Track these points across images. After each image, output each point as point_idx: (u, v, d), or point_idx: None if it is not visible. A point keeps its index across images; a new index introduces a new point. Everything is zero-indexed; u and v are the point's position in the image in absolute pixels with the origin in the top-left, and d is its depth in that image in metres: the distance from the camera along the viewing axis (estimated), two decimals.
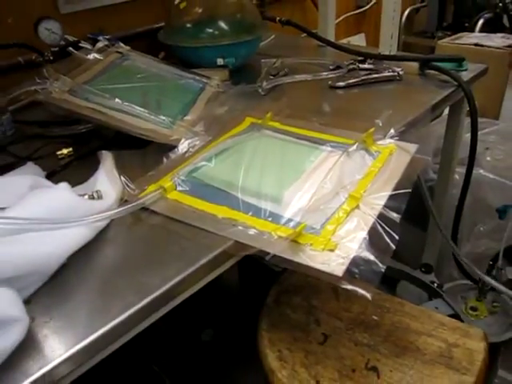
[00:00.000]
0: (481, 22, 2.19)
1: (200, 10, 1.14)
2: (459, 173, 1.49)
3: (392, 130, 0.82)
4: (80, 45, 1.08)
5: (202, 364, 1.49)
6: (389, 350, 0.71)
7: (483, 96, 1.89)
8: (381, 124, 0.81)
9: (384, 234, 0.59)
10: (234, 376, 1.46)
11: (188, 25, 1.13)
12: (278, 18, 1.34)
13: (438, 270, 1.55)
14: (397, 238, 0.59)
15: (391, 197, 0.65)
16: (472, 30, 2.19)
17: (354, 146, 0.75)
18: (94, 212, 0.59)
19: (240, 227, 0.61)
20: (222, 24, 1.11)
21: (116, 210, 0.61)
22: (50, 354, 0.45)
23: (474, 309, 1.30)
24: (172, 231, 0.62)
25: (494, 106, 1.81)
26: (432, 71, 1.14)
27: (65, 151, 0.84)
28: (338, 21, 1.96)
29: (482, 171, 1.48)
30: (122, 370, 1.21)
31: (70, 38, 1.07)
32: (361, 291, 0.51)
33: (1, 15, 1.03)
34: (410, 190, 0.66)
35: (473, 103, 1.06)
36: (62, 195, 0.57)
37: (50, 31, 0.95)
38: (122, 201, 0.66)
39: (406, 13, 2.42)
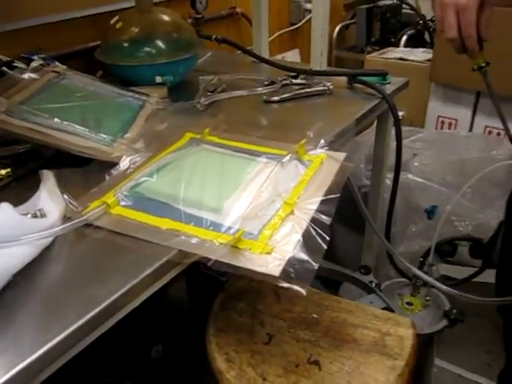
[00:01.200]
0: (405, 37, 2.36)
1: (136, 30, 1.17)
2: (390, 178, 1.60)
3: (322, 141, 0.88)
4: (14, 64, 1.07)
5: (152, 381, 1.49)
6: (328, 343, 0.76)
7: (409, 107, 2.05)
8: (312, 135, 0.87)
9: (316, 236, 0.64)
10: None
11: (125, 44, 1.16)
12: (213, 36, 1.39)
13: (376, 271, 1.65)
14: (328, 238, 0.64)
15: (322, 201, 0.71)
16: (397, 45, 2.36)
17: (288, 157, 0.80)
18: (38, 230, 0.60)
19: (183, 237, 0.64)
20: (159, 43, 1.15)
21: (60, 227, 0.62)
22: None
23: (409, 303, 1.39)
24: (117, 244, 0.64)
25: (419, 115, 1.96)
26: (359, 85, 1.22)
27: (3, 172, 0.83)
28: (272, 37, 2.05)
29: (410, 176, 1.60)
30: None
31: (4, 58, 1.06)
32: (296, 287, 0.56)
33: None
34: (339, 195, 0.72)
35: (396, 113, 1.16)
36: (4, 214, 0.58)
37: None
38: (66, 218, 0.67)
39: (337, 29, 2.56)
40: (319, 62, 1.36)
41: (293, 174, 0.78)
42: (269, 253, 0.61)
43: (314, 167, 0.81)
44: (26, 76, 1.01)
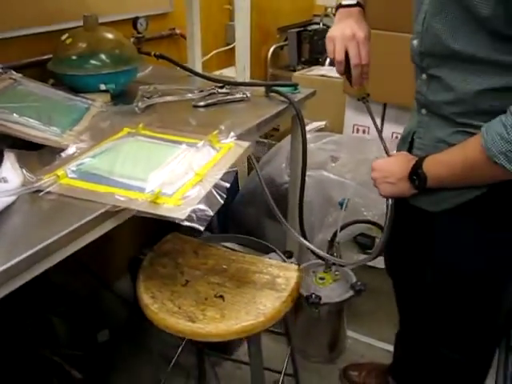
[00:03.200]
0: (329, 58, 2.68)
1: (84, 45, 1.38)
2: (309, 175, 1.87)
3: (232, 133, 1.12)
4: None
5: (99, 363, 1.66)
6: (232, 285, 0.99)
7: (330, 117, 2.36)
8: (223, 128, 1.12)
9: (216, 195, 0.88)
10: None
11: (73, 57, 1.36)
12: (152, 53, 1.63)
13: (299, 256, 1.90)
14: (224, 197, 0.87)
15: (225, 173, 0.95)
16: (323, 64, 2.68)
17: (201, 143, 1.04)
18: (2, 191, 0.80)
19: (116, 196, 0.86)
20: (103, 56, 1.36)
21: (20, 189, 0.82)
22: None
23: (321, 278, 1.64)
24: (65, 203, 0.85)
25: (338, 123, 2.25)
26: (274, 94, 1.48)
27: None
28: (209, 55, 2.30)
29: (325, 173, 1.88)
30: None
31: None
32: (195, 225, 0.79)
33: None
34: (236, 169, 0.96)
35: (300, 116, 1.41)
36: None
37: None
38: (24, 185, 0.87)
39: (272, 50, 2.86)
40: (243, 75, 1.61)
41: (205, 156, 1.02)
42: (179, 205, 0.84)
43: (223, 152, 1.05)
44: None
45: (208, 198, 0.87)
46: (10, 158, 0.92)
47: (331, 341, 1.71)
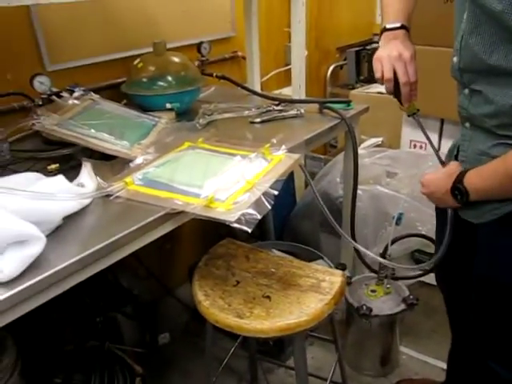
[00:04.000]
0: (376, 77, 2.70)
1: (153, 69, 1.53)
2: (363, 189, 1.90)
3: (284, 146, 1.20)
4: (61, 94, 1.43)
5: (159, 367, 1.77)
6: (279, 286, 1.06)
7: (388, 133, 2.37)
8: (275, 142, 1.20)
9: (265, 201, 0.96)
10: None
11: (144, 79, 1.52)
12: (214, 74, 1.76)
13: (353, 268, 1.92)
14: (272, 203, 0.95)
15: (274, 182, 1.02)
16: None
17: (254, 155, 1.13)
18: (80, 193, 0.93)
19: (176, 201, 0.96)
20: (169, 78, 1.50)
21: (95, 193, 0.95)
22: (54, 260, 0.78)
23: (373, 291, 1.66)
24: (131, 206, 0.97)
25: (395, 139, 2.27)
26: (327, 110, 1.55)
27: (53, 166, 1.17)
28: (270, 75, 2.42)
29: (380, 188, 1.90)
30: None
31: (54, 89, 1.43)
32: (243, 227, 0.87)
33: (2, 73, 1.38)
34: (285, 178, 1.03)
35: (352, 131, 1.47)
36: (60, 182, 0.91)
37: (41, 83, 1.30)
38: (98, 190, 1.00)
39: (331, 69, 2.93)
40: (298, 93, 1.70)
41: (257, 167, 1.10)
42: (230, 209, 0.92)
43: (274, 163, 1.13)
44: (70, 102, 1.36)
45: (257, 204, 0.95)
46: (87, 166, 1.05)
47: (383, 355, 1.71)
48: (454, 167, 1.01)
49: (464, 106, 0.97)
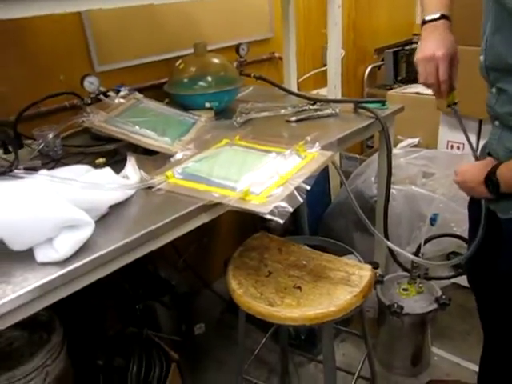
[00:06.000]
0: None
1: (193, 69, 1.60)
2: (397, 189, 1.91)
3: (317, 143, 1.24)
4: (108, 94, 1.52)
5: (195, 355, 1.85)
6: (310, 279, 1.10)
7: (425, 133, 2.37)
8: (309, 139, 1.24)
9: (297, 195, 1.00)
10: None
11: (185, 79, 1.59)
12: (252, 74, 1.81)
13: (386, 268, 1.93)
14: (304, 197, 0.99)
15: (307, 177, 1.07)
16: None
17: (288, 152, 1.17)
18: (125, 184, 1.00)
19: (212, 193, 1.02)
20: (209, 78, 1.57)
21: (138, 184, 1.02)
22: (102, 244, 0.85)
23: (405, 290, 1.67)
24: (171, 197, 1.03)
25: (433, 140, 2.25)
26: (362, 110, 1.57)
27: (100, 160, 1.26)
28: (307, 75, 2.46)
29: (414, 187, 1.90)
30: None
31: (102, 89, 1.52)
32: (276, 218, 0.91)
33: (55, 74, 1.49)
34: (317, 173, 1.07)
35: (386, 130, 1.49)
36: (108, 173, 0.99)
37: (90, 83, 1.40)
38: (141, 182, 1.07)
39: (368, 69, 2.93)
40: (334, 93, 1.73)
41: (291, 163, 1.15)
42: (264, 202, 0.97)
43: (308, 160, 1.17)
44: (116, 101, 1.45)
45: (289, 197, 0.99)
46: (131, 160, 1.13)
47: (414, 354, 1.71)
48: (490, 160, 1.03)
49: (491, 105, 0.98)
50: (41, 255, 0.81)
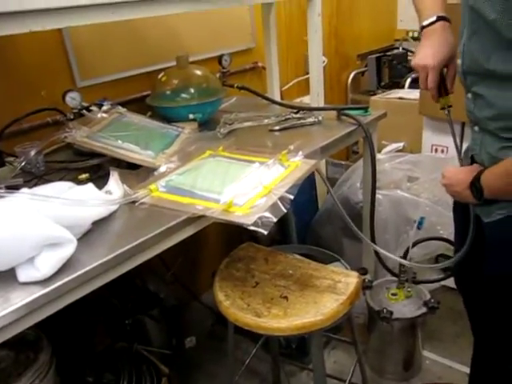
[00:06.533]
0: (408, 80, 2.72)
1: (176, 81, 1.61)
2: (382, 194, 1.92)
3: (300, 152, 1.25)
4: (90, 108, 1.52)
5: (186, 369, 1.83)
6: (296, 288, 1.10)
7: (409, 138, 2.39)
8: (292, 148, 1.25)
9: (281, 205, 1.00)
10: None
11: (168, 92, 1.59)
12: (235, 85, 1.82)
13: (375, 273, 1.94)
14: (288, 206, 1.00)
15: (290, 187, 1.07)
16: (403, 87, 2.72)
17: (271, 162, 1.18)
18: (108, 200, 1.00)
19: (197, 206, 1.02)
20: (192, 90, 1.58)
21: (121, 199, 1.02)
22: (85, 261, 0.85)
23: (394, 294, 1.67)
24: (155, 211, 1.03)
25: (416, 144, 2.28)
26: (344, 117, 1.59)
27: (83, 176, 1.25)
28: (290, 84, 2.47)
29: (400, 192, 1.91)
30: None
31: (84, 104, 1.51)
32: (260, 229, 0.91)
33: (36, 90, 1.48)
34: (300, 183, 1.08)
35: (369, 136, 1.50)
36: (90, 189, 0.99)
37: (72, 99, 1.39)
38: (124, 197, 1.06)
39: (351, 76, 2.96)
40: (317, 101, 1.74)
41: (274, 172, 1.15)
42: (247, 213, 0.97)
43: (291, 169, 1.18)
44: (99, 115, 1.44)
45: (273, 208, 1.00)
46: (114, 175, 1.13)
47: (406, 359, 1.72)
48: (476, 165, 1.04)
49: (470, 110, 1.00)
50: (23, 275, 0.80)
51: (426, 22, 1.05)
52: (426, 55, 1.02)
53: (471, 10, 0.87)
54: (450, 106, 1.13)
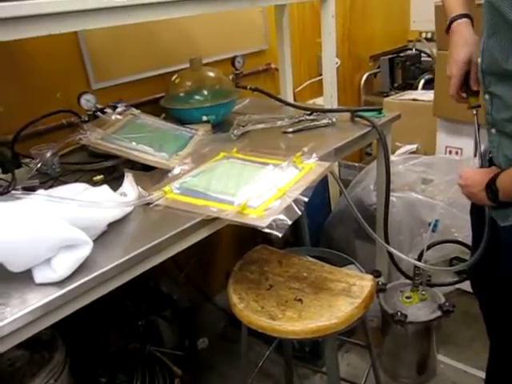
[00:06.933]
0: (422, 81, 2.69)
1: (189, 83, 1.61)
2: (396, 196, 1.91)
3: (314, 154, 1.24)
4: (105, 110, 1.53)
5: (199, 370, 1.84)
6: (311, 290, 1.09)
7: (422, 140, 2.37)
8: (306, 150, 1.24)
9: (295, 207, 1.00)
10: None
11: (181, 94, 1.60)
12: (248, 86, 1.82)
13: (388, 276, 1.92)
14: (302, 209, 0.99)
15: (305, 189, 1.07)
16: (416, 88, 2.69)
17: (285, 164, 1.17)
18: (123, 202, 1.00)
19: (210, 208, 1.02)
20: (205, 92, 1.58)
21: (136, 201, 1.02)
22: (101, 262, 0.85)
23: (408, 297, 1.66)
24: (169, 213, 1.03)
25: (430, 146, 2.26)
26: (358, 118, 1.58)
27: (98, 177, 1.26)
28: (303, 85, 2.47)
29: (414, 194, 1.90)
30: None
31: (98, 106, 1.52)
32: (275, 232, 0.91)
33: (52, 93, 1.49)
34: (315, 185, 1.07)
35: (383, 138, 1.49)
36: (105, 191, 0.99)
37: (87, 101, 1.40)
38: (139, 198, 1.07)
39: (364, 77, 2.94)
40: (330, 102, 1.74)
41: (288, 175, 1.15)
42: (261, 216, 0.97)
43: (305, 171, 1.17)
44: (113, 117, 1.45)
45: (287, 210, 0.99)
46: (128, 177, 1.13)
47: (420, 362, 1.70)
48: (494, 167, 1.03)
49: (488, 111, 0.98)
50: (39, 276, 0.81)
51: (448, 21, 1.07)
52: (452, 62, 1.05)
53: (491, 7, 0.86)
54: (479, 106, 1.11)
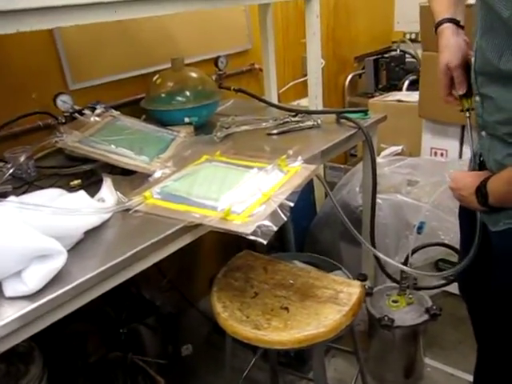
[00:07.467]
0: (407, 82, 2.69)
1: (171, 84, 1.57)
2: (382, 198, 1.89)
3: (300, 157, 1.21)
4: (83, 111, 1.47)
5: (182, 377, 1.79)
6: (297, 298, 1.06)
7: (408, 141, 2.35)
8: (291, 153, 1.21)
9: (280, 213, 0.96)
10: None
11: (162, 94, 1.55)
12: (232, 87, 1.78)
13: (375, 279, 1.91)
14: (288, 214, 0.96)
15: (290, 193, 1.03)
16: (401, 90, 2.69)
17: (270, 167, 1.14)
18: (100, 208, 0.95)
19: (193, 214, 0.98)
20: (187, 93, 1.54)
21: (114, 207, 0.98)
22: (76, 273, 0.80)
23: (395, 301, 1.64)
24: (150, 220, 0.99)
25: (415, 147, 2.25)
26: (344, 120, 1.55)
27: (75, 182, 1.21)
28: (287, 86, 2.44)
29: (400, 196, 1.88)
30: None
31: (76, 107, 1.47)
32: (259, 239, 0.87)
33: (27, 93, 1.43)
34: (300, 189, 1.04)
35: (369, 140, 1.47)
36: (81, 197, 0.94)
37: (64, 102, 1.35)
38: (118, 204, 1.02)
39: (349, 78, 2.93)
40: (315, 103, 1.71)
41: (273, 178, 1.11)
42: (246, 222, 0.93)
43: (290, 174, 1.14)
44: (92, 119, 1.40)
45: (273, 216, 0.96)
46: (107, 182, 1.08)
47: (407, 366, 1.68)
48: (486, 171, 1.01)
49: (479, 114, 0.96)
50: (9, 290, 0.76)
51: (435, 25, 1.06)
52: (440, 64, 1.03)
53: (485, 6, 0.84)
54: (472, 109, 1.08)
